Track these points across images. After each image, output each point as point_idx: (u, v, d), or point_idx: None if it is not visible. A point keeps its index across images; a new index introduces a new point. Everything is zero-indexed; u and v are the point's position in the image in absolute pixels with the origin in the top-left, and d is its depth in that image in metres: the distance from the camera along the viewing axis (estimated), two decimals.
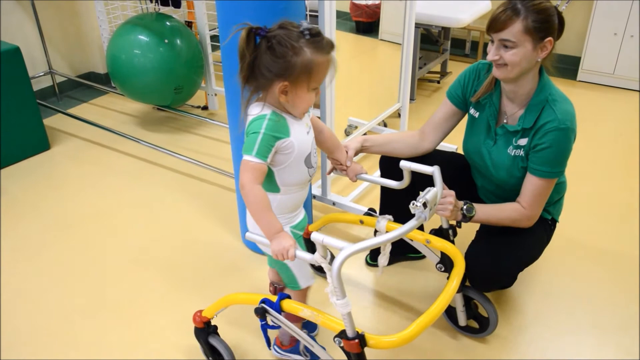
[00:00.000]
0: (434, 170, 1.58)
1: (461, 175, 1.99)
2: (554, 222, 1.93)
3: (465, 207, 1.69)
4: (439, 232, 1.80)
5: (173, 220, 2.64)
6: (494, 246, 1.78)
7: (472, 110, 1.87)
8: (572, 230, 2.50)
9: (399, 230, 1.38)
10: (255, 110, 1.44)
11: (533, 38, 1.56)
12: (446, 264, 1.77)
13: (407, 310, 2.08)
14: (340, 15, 5.88)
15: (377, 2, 5.35)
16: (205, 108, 3.81)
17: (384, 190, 2.08)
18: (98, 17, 3.85)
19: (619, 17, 3.93)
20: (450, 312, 1.96)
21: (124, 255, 2.40)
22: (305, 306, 1.52)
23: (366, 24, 5.45)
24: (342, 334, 1.37)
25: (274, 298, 1.55)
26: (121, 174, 3.05)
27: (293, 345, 1.81)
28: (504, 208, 1.76)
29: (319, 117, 2.10)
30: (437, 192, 1.49)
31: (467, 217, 1.70)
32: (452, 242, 1.79)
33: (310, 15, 2.10)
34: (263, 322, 1.61)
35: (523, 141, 1.71)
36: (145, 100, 3.45)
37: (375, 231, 1.96)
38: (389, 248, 1.63)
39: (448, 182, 1.64)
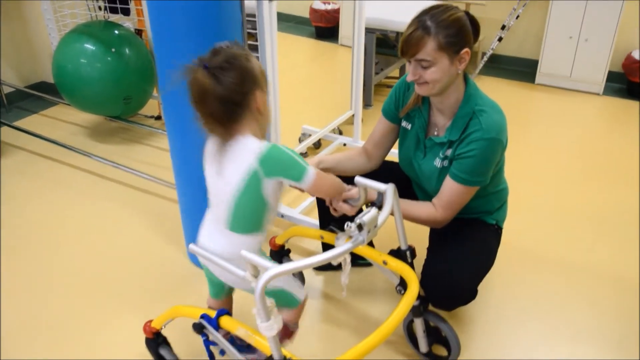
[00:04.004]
0: (387, 188, 1.49)
1: (404, 186, 1.94)
2: (499, 228, 1.89)
3: None
4: (397, 253, 1.70)
5: (121, 235, 2.56)
6: (449, 264, 1.71)
7: (404, 123, 1.82)
8: (525, 239, 2.48)
9: (327, 255, 1.28)
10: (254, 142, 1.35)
11: (448, 53, 1.52)
12: (405, 286, 1.67)
13: (361, 328, 2.02)
14: (300, 20, 5.85)
15: (336, 7, 5.32)
16: (158, 118, 3.72)
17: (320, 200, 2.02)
18: (47, 25, 3.73)
19: (574, 20, 3.96)
20: (414, 338, 1.86)
21: (71, 271, 2.32)
22: (242, 325, 1.46)
23: (326, 29, 5.42)
24: (270, 358, 1.31)
25: (213, 314, 1.50)
26: (70, 189, 2.94)
27: None
28: (417, 204, 1.72)
29: None
30: (383, 214, 1.38)
31: None
32: (410, 263, 1.68)
33: (248, 20, 2.03)
34: (204, 338, 1.55)
35: (449, 152, 1.67)
36: (94, 111, 3.35)
37: (325, 246, 1.92)
38: (348, 267, 1.50)
39: None
